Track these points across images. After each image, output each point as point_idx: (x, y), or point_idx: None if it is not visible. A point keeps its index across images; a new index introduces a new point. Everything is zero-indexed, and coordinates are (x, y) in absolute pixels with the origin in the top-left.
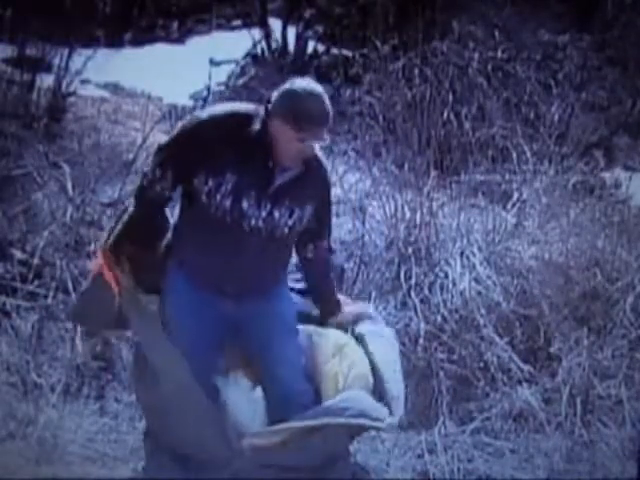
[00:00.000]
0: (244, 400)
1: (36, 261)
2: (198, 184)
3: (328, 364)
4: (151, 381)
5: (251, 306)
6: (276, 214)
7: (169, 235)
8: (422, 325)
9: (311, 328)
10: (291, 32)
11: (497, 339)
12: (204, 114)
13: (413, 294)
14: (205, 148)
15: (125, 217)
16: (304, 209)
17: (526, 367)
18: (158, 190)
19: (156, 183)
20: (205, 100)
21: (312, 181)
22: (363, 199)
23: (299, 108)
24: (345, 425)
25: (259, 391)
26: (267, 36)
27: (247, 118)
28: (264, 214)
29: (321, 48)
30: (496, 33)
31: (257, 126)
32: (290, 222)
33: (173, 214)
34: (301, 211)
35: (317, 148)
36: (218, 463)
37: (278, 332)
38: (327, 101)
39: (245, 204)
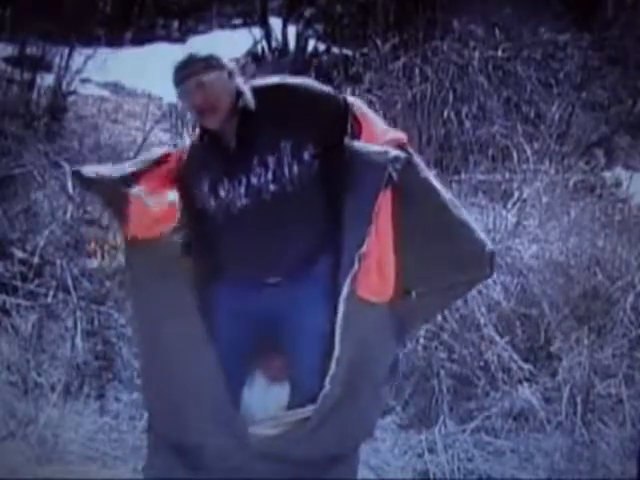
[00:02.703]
0: (257, 398)
1: (36, 260)
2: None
3: None
4: (163, 359)
5: (287, 297)
6: (253, 180)
7: None
8: None
9: None
10: (291, 31)
11: (497, 338)
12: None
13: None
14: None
15: None
16: (279, 150)
17: (526, 366)
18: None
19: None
20: None
21: (265, 120)
22: None
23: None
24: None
25: (274, 390)
26: (267, 35)
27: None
28: (243, 190)
29: (321, 47)
30: (496, 32)
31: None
32: (270, 175)
33: None
34: (276, 154)
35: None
36: (221, 453)
37: (305, 332)
38: (194, 52)
39: (222, 193)
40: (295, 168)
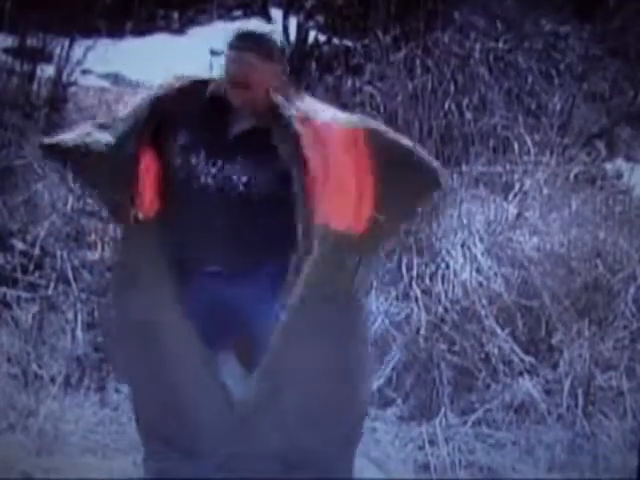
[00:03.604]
0: (233, 380)
1: (37, 252)
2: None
3: None
4: (150, 348)
5: (239, 289)
6: (227, 170)
7: None
8: (423, 316)
9: None
10: (292, 22)
11: (498, 330)
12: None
13: (414, 285)
14: (164, 113)
15: None
16: (267, 168)
17: (527, 358)
18: None
19: None
20: None
21: (277, 137)
22: None
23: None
24: None
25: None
26: None
27: (206, 82)
28: (214, 170)
29: (322, 38)
30: (498, 23)
31: (215, 85)
32: (244, 179)
33: None
34: (262, 169)
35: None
36: (214, 438)
37: (257, 322)
38: (262, 31)
39: (193, 159)
40: (271, 188)
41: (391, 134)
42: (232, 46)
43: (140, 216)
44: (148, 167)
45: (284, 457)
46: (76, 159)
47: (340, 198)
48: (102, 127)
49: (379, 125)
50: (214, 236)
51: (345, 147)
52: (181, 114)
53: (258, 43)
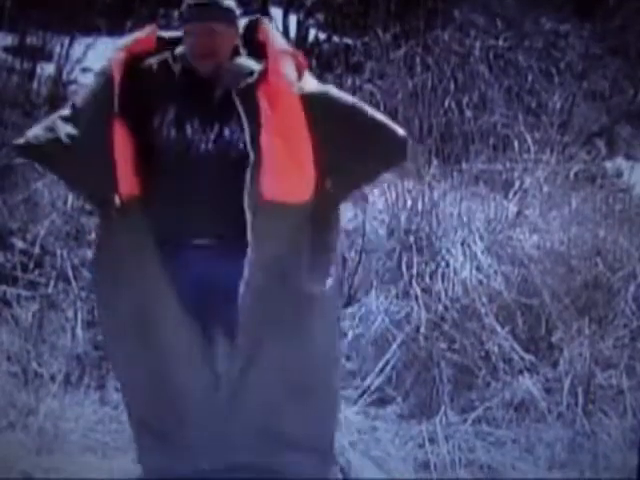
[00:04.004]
0: (221, 357)
1: (37, 250)
2: (150, 124)
3: None
4: (142, 334)
5: (222, 264)
6: (226, 132)
7: None
8: (423, 314)
9: None
10: (292, 20)
11: (498, 328)
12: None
13: (414, 283)
14: (133, 94)
15: None
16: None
17: (527, 356)
18: None
19: None
20: None
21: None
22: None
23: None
24: None
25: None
26: None
27: (169, 52)
28: (213, 136)
29: (322, 36)
30: (498, 22)
31: (181, 57)
32: (244, 137)
33: None
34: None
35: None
36: (203, 424)
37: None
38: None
39: (189, 130)
40: None
41: (346, 98)
42: (192, 18)
43: (122, 202)
44: (124, 150)
45: (268, 435)
46: (50, 156)
47: (294, 170)
48: (66, 120)
49: (335, 91)
50: (216, 203)
51: (299, 113)
52: (155, 91)
53: (220, 11)
